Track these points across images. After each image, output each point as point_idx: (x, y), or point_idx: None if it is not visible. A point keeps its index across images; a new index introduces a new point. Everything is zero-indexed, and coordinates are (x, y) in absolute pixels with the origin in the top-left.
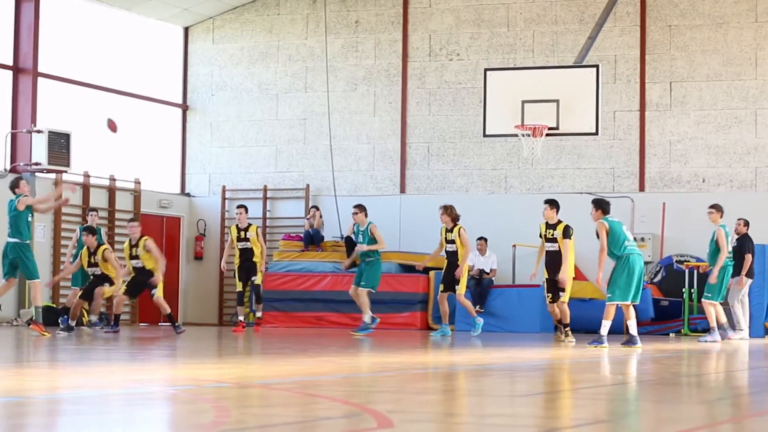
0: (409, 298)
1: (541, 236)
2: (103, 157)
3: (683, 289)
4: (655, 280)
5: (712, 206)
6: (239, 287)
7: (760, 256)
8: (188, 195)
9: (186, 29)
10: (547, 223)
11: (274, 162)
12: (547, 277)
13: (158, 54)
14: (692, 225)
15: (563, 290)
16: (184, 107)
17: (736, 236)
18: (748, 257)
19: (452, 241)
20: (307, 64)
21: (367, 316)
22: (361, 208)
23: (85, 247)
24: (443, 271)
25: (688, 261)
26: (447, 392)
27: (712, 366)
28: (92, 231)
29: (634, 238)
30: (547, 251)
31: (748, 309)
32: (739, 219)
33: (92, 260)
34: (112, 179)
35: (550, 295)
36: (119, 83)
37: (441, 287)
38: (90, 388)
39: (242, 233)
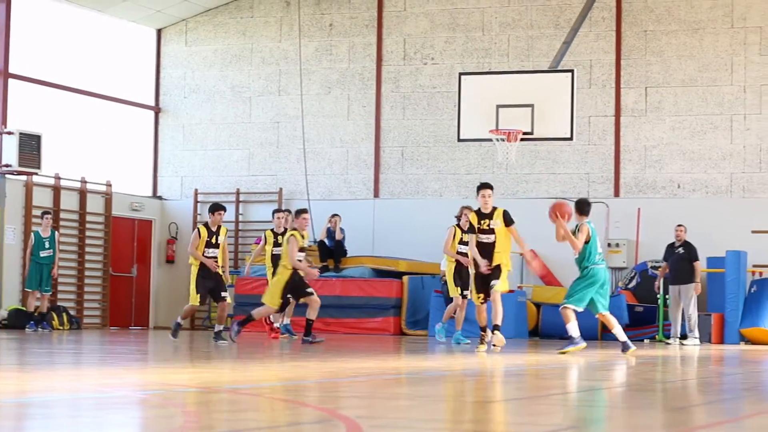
0: (382, 303)
1: (473, 230)
2: (74, 159)
3: (658, 295)
4: (630, 286)
5: None
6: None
7: (735, 262)
8: (160, 198)
9: (159, 31)
10: (479, 211)
11: (246, 165)
12: (474, 272)
13: (130, 56)
14: (667, 231)
15: (495, 279)
16: (157, 109)
17: (678, 242)
18: (698, 264)
19: (467, 243)
20: (281, 67)
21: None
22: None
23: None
24: (453, 273)
25: (663, 267)
26: (418, 398)
27: (687, 372)
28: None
29: (609, 244)
30: (480, 243)
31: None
32: (680, 225)
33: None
34: (84, 181)
35: (481, 295)
36: (91, 85)
37: (458, 290)
38: (60, 391)
39: (279, 238)
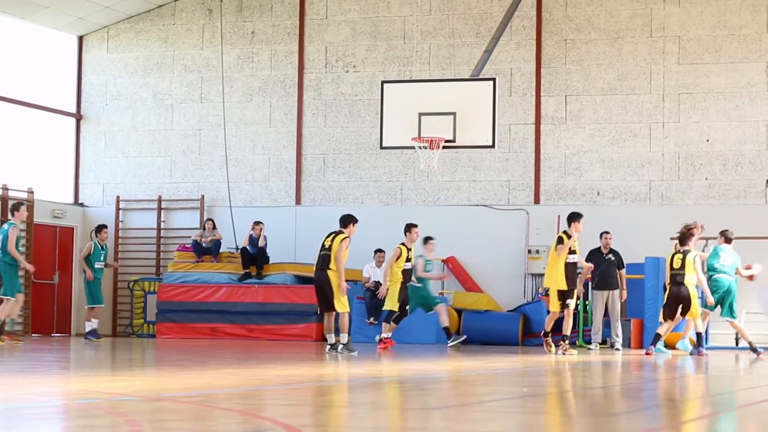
0: (305, 309)
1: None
2: None
3: (578, 301)
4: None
5: None
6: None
7: (654, 268)
8: (82, 205)
9: (80, 38)
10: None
11: (168, 172)
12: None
13: (52, 63)
14: (587, 238)
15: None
16: (78, 116)
17: (605, 249)
18: (624, 271)
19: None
20: (203, 74)
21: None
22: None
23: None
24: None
25: (581, 273)
26: (358, 405)
27: (613, 378)
28: None
29: (529, 250)
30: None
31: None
32: (607, 233)
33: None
34: (5, 188)
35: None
36: (12, 92)
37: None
38: None
39: (409, 253)
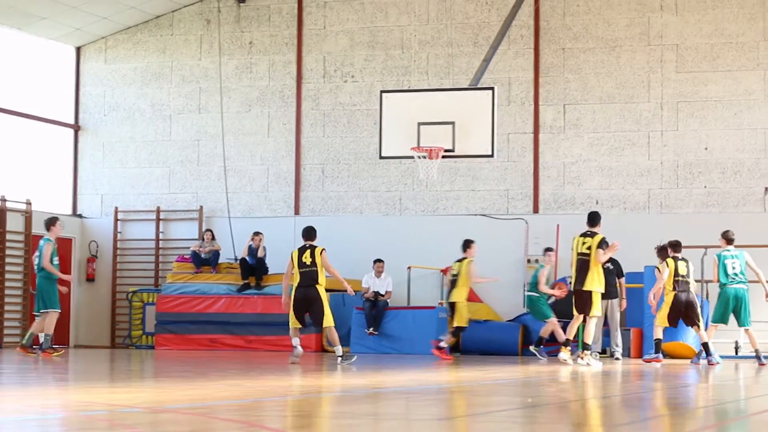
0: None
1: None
2: None
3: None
4: (550, 301)
5: None
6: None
7: (653, 278)
8: (80, 216)
9: (78, 49)
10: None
11: (167, 183)
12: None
13: (50, 74)
14: None
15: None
16: (76, 127)
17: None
18: (623, 280)
19: None
20: (201, 84)
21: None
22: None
23: None
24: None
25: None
26: (362, 416)
27: (614, 388)
28: None
29: (528, 260)
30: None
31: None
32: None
33: None
34: (3, 200)
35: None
36: (10, 103)
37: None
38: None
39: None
